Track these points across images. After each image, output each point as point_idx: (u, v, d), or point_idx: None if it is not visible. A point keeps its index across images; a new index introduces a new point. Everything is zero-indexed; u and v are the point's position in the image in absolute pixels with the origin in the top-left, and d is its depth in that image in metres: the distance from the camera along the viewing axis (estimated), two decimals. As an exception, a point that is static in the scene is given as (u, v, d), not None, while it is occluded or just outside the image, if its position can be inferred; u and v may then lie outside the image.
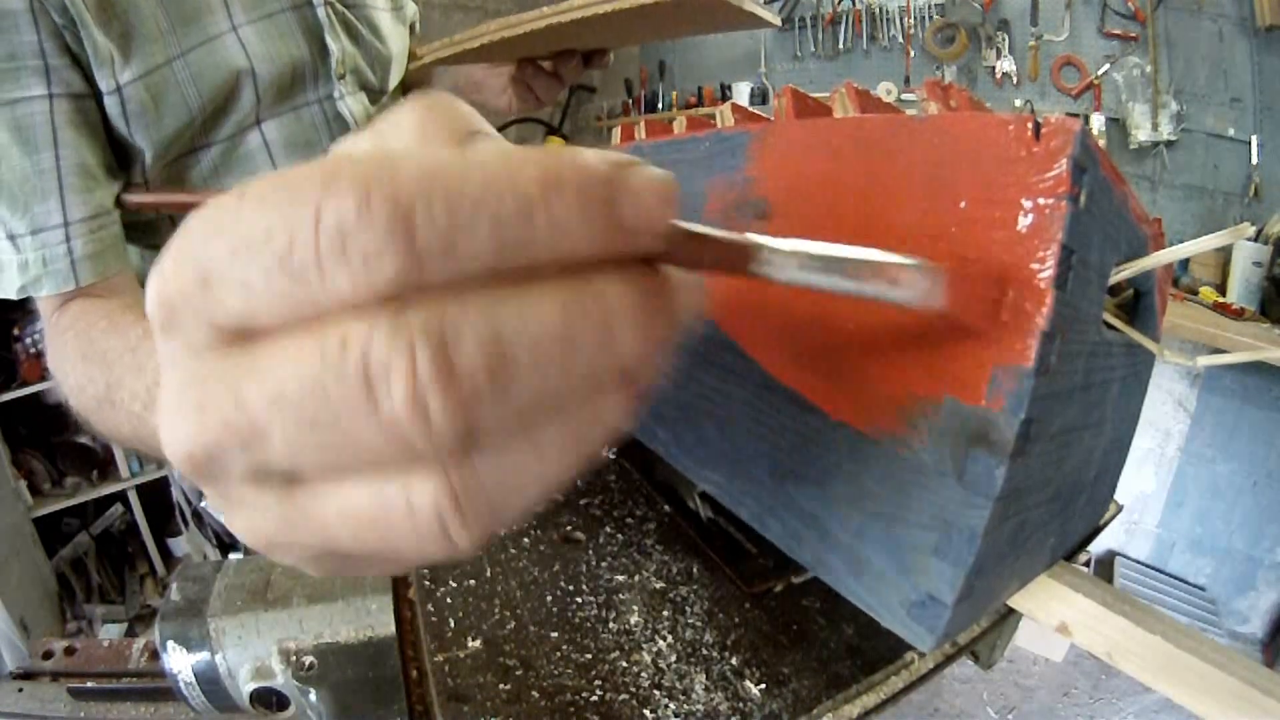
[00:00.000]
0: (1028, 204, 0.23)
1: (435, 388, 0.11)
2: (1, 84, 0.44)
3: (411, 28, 0.79)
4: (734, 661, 0.32)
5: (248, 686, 0.42)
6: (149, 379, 0.35)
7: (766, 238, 0.15)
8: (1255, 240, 1.79)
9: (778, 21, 0.63)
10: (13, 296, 0.48)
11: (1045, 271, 0.22)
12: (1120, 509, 0.46)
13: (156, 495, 2.10)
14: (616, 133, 0.54)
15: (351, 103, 0.62)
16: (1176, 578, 2.03)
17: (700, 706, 0.30)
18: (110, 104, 0.48)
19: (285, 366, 0.12)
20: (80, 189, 0.47)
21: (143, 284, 0.59)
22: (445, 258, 0.11)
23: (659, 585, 0.37)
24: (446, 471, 0.12)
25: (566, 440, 0.13)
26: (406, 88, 0.75)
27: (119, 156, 0.52)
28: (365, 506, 0.13)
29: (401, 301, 0.11)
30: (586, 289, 0.12)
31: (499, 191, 0.11)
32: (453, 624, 0.33)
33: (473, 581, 0.37)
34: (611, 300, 0.13)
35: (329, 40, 0.59)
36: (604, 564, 0.39)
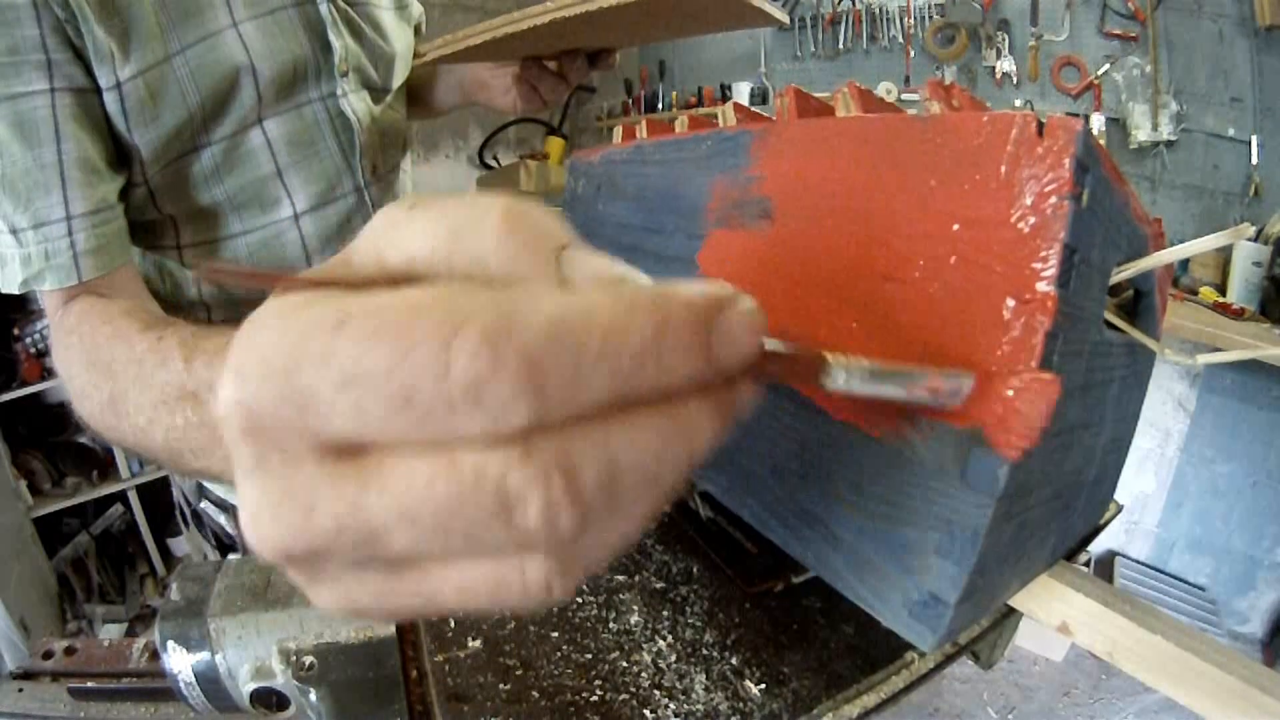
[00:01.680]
0: (1030, 203, 0.23)
1: (565, 507, 0.13)
2: (3, 78, 0.44)
3: (417, 29, 0.79)
4: (734, 661, 0.32)
5: (248, 686, 0.42)
6: (155, 395, 0.35)
7: (834, 354, 0.18)
8: (1255, 240, 1.79)
9: (784, 18, 0.62)
10: (15, 290, 0.48)
11: (1048, 271, 0.22)
12: (1120, 509, 0.46)
13: (156, 495, 2.10)
14: (617, 132, 0.54)
15: (354, 100, 0.62)
16: (1176, 578, 2.03)
17: (700, 706, 0.30)
18: (109, 100, 0.48)
19: (413, 483, 0.13)
20: (83, 183, 0.47)
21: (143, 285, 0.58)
22: (570, 403, 0.13)
23: (659, 585, 0.37)
24: (557, 552, 0.14)
25: (648, 513, 0.15)
26: (410, 87, 0.75)
27: (119, 155, 0.52)
28: (480, 582, 0.14)
29: (529, 435, 0.13)
30: (681, 415, 0.14)
31: (619, 344, 0.13)
32: (453, 624, 0.33)
33: (473, 581, 0.37)
34: (698, 422, 0.15)
35: (331, 37, 0.58)
36: (604, 564, 0.39)
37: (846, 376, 0.18)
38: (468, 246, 0.15)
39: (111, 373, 0.41)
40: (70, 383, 0.45)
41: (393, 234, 0.16)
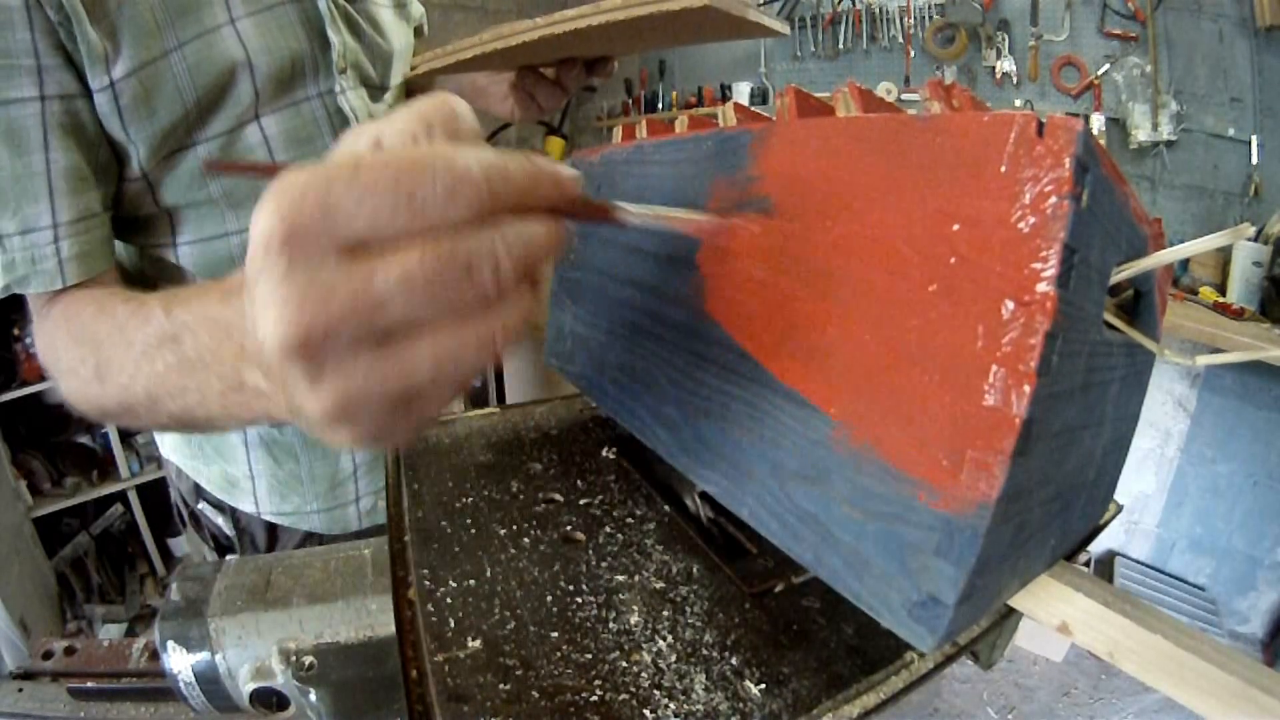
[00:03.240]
0: (1030, 203, 0.23)
1: (507, 266, 0.21)
2: None
3: (419, 30, 0.79)
4: (734, 661, 0.32)
5: (248, 686, 0.42)
6: (136, 350, 0.37)
7: (620, 203, 0.27)
8: (1255, 240, 1.79)
9: (784, 29, 0.62)
10: None
11: (1048, 271, 0.22)
12: (1120, 509, 0.46)
13: (156, 495, 2.10)
14: (617, 132, 0.54)
15: (352, 97, 0.62)
16: (1176, 578, 2.04)
17: (700, 706, 0.30)
18: (102, 100, 0.48)
19: (409, 259, 0.20)
20: (69, 192, 0.48)
21: (135, 279, 0.59)
22: (497, 199, 0.21)
23: (659, 585, 0.37)
24: (500, 314, 0.22)
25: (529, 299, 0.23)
26: (409, 91, 0.75)
27: (114, 154, 0.52)
28: (449, 343, 0.21)
29: (476, 227, 0.21)
30: (533, 220, 0.22)
31: (522, 168, 0.22)
32: (453, 624, 0.33)
33: (473, 581, 0.37)
34: (549, 228, 0.22)
35: (330, 33, 0.58)
36: (604, 564, 0.39)
37: (625, 216, 0.27)
38: (388, 136, 0.24)
39: (96, 342, 0.42)
40: (57, 364, 0.46)
41: (357, 136, 0.24)
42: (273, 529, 0.73)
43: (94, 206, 0.50)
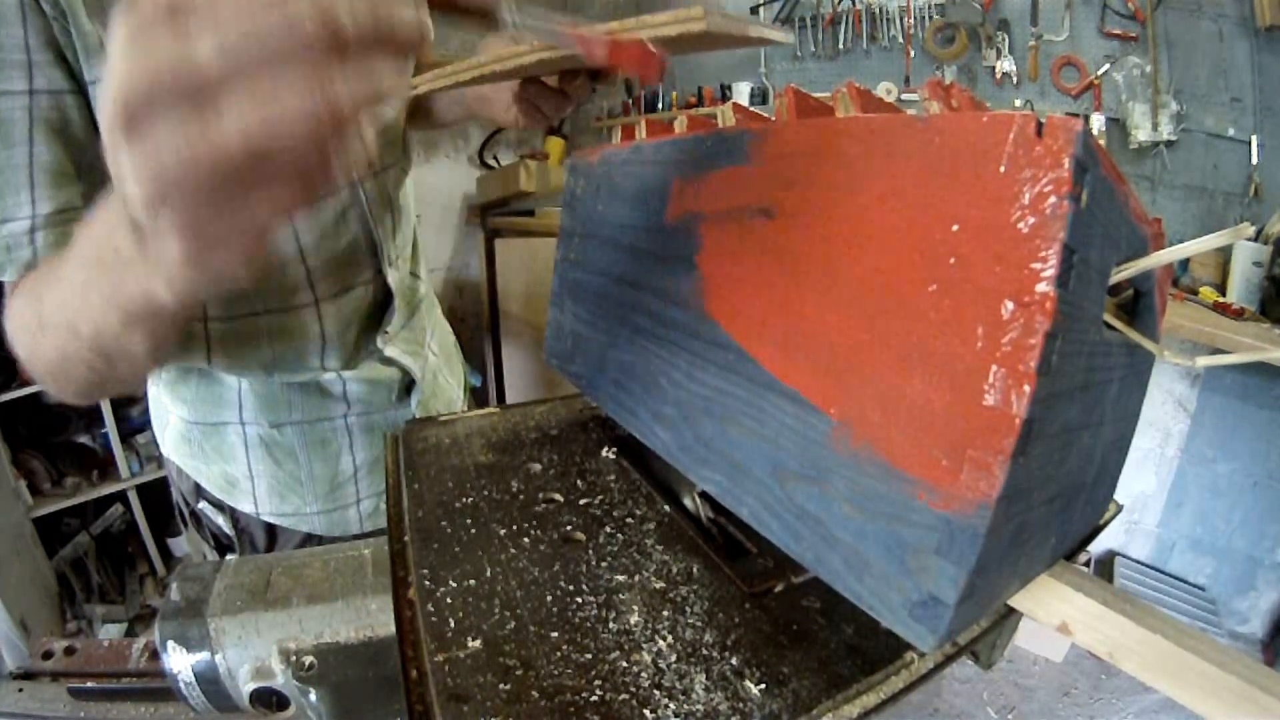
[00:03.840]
0: (1030, 203, 0.23)
1: (337, 14, 0.19)
2: None
3: None
4: (734, 661, 0.32)
5: (248, 686, 0.42)
6: (63, 285, 0.35)
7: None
8: (1255, 240, 1.79)
9: (787, 39, 0.63)
10: None
11: (1048, 271, 0.22)
12: (1120, 509, 0.46)
13: (156, 495, 2.10)
14: (617, 132, 0.53)
15: None
16: (1176, 578, 2.03)
17: (700, 706, 0.30)
18: (96, 93, 0.49)
19: (223, 11, 0.19)
20: (49, 185, 0.48)
21: None
22: None
23: (659, 585, 0.37)
24: (338, 78, 0.20)
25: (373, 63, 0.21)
26: (412, 98, 0.75)
27: (97, 154, 0.52)
28: (265, 104, 0.19)
29: None
30: None
31: None
32: (453, 624, 0.33)
33: (473, 581, 0.37)
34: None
35: None
36: (604, 564, 0.39)
37: (511, 18, 0.28)
38: None
39: (39, 295, 0.41)
40: (16, 335, 0.45)
41: None
42: (272, 530, 0.73)
43: (75, 201, 0.50)
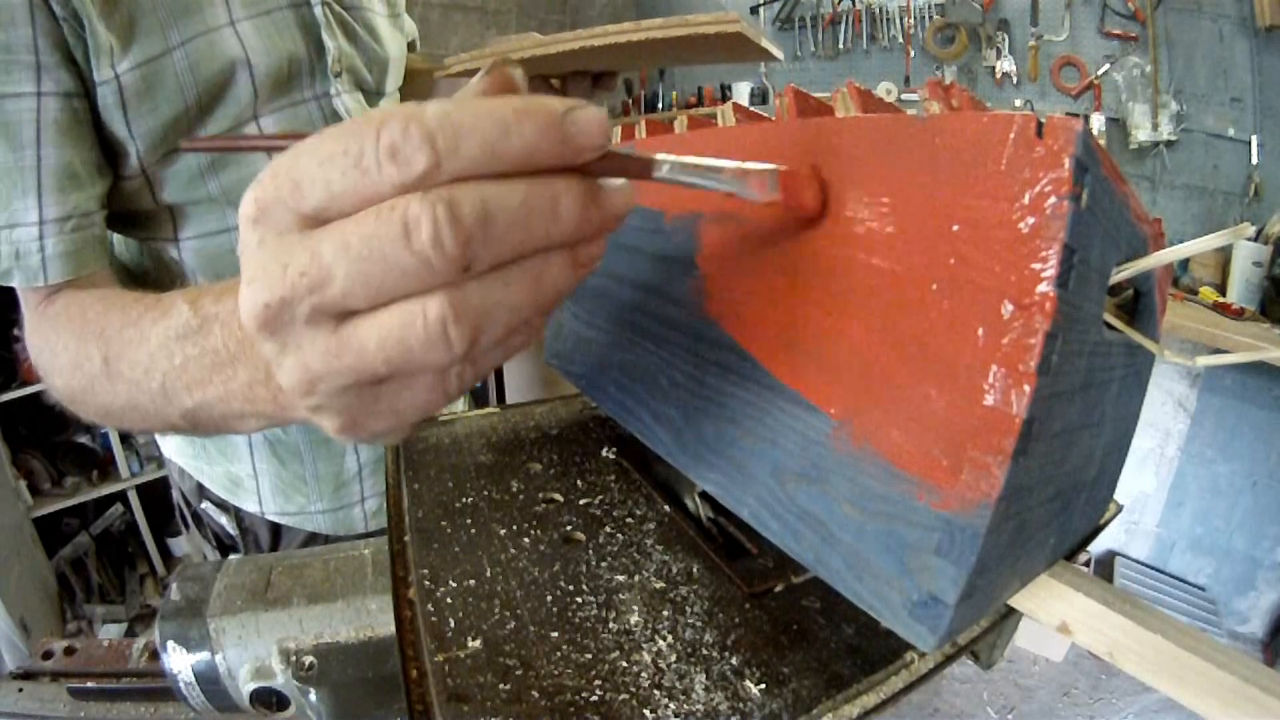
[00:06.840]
0: (1030, 203, 0.23)
1: (447, 229, 0.18)
2: None
3: (411, 45, 0.80)
4: (734, 661, 0.32)
5: (248, 686, 0.42)
6: (153, 344, 0.35)
7: (663, 154, 0.23)
8: (1255, 240, 1.79)
9: (779, 55, 0.67)
10: None
11: (1048, 271, 0.22)
12: (1120, 509, 0.46)
13: (156, 495, 2.10)
14: (617, 132, 0.54)
15: (348, 100, 0.63)
16: (1176, 578, 2.03)
17: (700, 706, 0.30)
18: (105, 93, 0.49)
19: (351, 226, 0.19)
20: (58, 189, 0.48)
21: (136, 275, 0.60)
22: (454, 158, 0.18)
23: (659, 585, 0.37)
24: (450, 293, 0.19)
25: (529, 282, 0.21)
26: (403, 98, 0.75)
27: (111, 153, 0.52)
28: (394, 325, 0.19)
29: (425, 181, 0.18)
30: (542, 180, 0.20)
31: (486, 119, 0.18)
32: (453, 624, 0.33)
33: (473, 581, 0.37)
34: (559, 188, 0.20)
35: (325, 38, 0.59)
36: (604, 564, 0.39)
37: (669, 167, 0.23)
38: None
39: (105, 338, 0.40)
40: (55, 359, 0.45)
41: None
42: (277, 529, 0.73)
43: (85, 206, 0.50)
